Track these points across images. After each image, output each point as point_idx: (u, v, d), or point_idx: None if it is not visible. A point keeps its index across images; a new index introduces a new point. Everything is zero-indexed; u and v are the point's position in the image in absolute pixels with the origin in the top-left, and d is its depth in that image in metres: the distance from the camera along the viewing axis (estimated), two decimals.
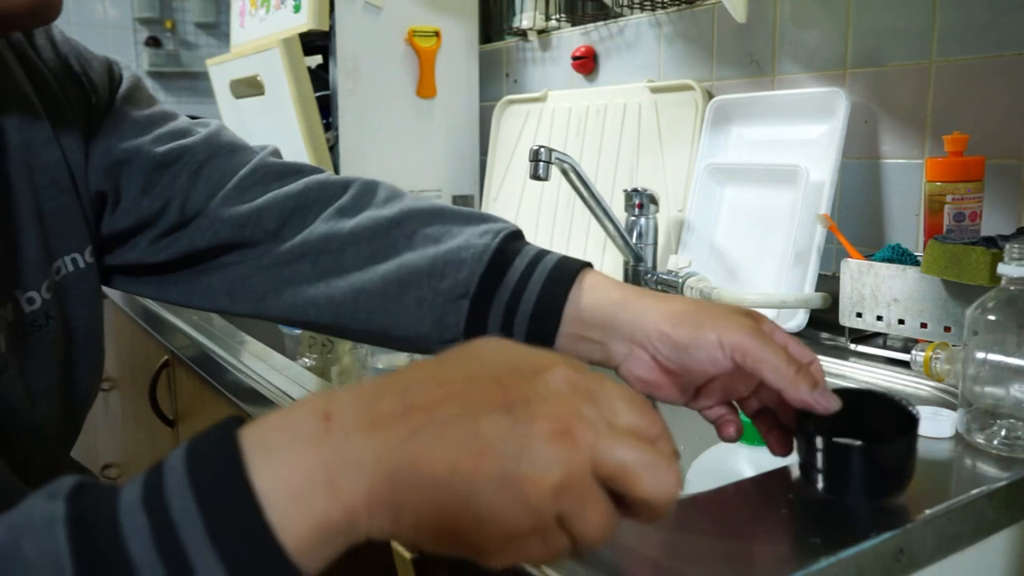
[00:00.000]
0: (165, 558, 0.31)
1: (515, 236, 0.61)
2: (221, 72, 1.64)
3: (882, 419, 0.50)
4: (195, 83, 2.72)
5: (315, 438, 0.33)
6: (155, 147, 0.65)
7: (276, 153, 0.69)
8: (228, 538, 0.31)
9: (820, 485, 0.49)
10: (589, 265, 0.58)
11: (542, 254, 0.59)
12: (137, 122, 0.67)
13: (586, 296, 0.56)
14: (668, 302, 0.53)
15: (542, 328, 0.57)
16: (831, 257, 1.02)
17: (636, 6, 1.28)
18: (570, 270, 0.57)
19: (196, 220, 0.65)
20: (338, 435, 0.33)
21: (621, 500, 0.35)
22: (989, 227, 0.86)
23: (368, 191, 0.65)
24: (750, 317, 0.52)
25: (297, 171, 0.67)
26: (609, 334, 0.55)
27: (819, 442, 0.49)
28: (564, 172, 1.05)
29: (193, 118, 0.72)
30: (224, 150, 0.67)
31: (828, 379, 0.82)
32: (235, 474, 0.32)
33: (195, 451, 0.33)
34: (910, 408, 0.50)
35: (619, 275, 1.15)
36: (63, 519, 0.31)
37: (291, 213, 0.64)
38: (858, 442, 0.48)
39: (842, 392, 0.50)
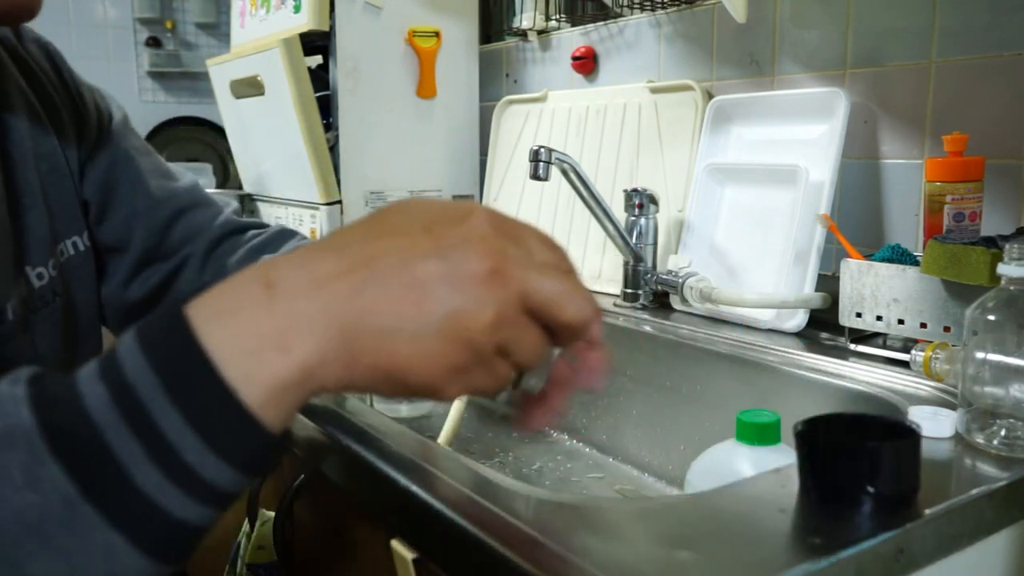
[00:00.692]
0: (129, 420, 0.32)
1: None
2: (221, 72, 1.64)
3: (883, 435, 0.50)
4: (195, 83, 2.72)
5: (261, 304, 0.34)
6: (150, 179, 0.73)
7: (237, 212, 0.80)
8: (187, 396, 0.32)
9: (819, 491, 0.49)
10: None
11: None
12: (136, 148, 0.74)
13: None
14: None
15: None
16: (831, 257, 1.02)
17: (636, 6, 1.28)
18: None
19: (170, 258, 0.74)
20: (283, 300, 0.34)
21: (548, 328, 0.38)
22: (989, 227, 0.87)
23: (283, 238, 0.77)
24: None
25: (249, 227, 0.78)
26: None
27: (819, 444, 0.49)
28: (564, 172, 1.05)
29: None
30: (202, 203, 0.77)
31: (828, 379, 0.82)
32: (186, 339, 0.33)
33: (145, 326, 0.34)
34: (910, 424, 0.50)
35: (619, 275, 1.15)
36: (25, 398, 0.32)
37: (229, 259, 0.75)
38: (858, 442, 0.48)
39: (843, 416, 0.51)
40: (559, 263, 0.39)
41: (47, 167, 0.65)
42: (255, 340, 0.33)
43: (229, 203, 0.79)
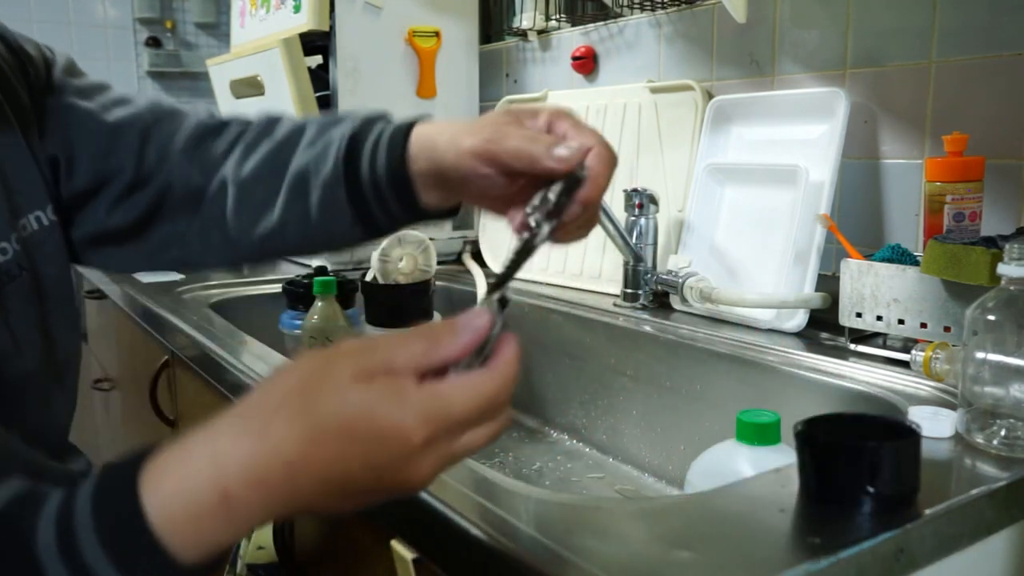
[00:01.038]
0: None
1: (370, 122, 0.65)
2: (221, 72, 1.64)
3: (883, 435, 0.50)
4: (195, 83, 2.72)
5: (219, 516, 0.39)
6: (104, 114, 0.71)
7: (210, 113, 0.75)
8: None
9: (818, 491, 0.50)
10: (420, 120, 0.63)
11: (383, 128, 0.64)
12: (82, 91, 0.72)
13: (414, 144, 0.61)
14: (449, 130, 0.59)
15: (400, 185, 0.62)
16: (831, 257, 1.02)
17: (636, 6, 1.28)
18: (402, 128, 0.62)
19: (152, 179, 0.71)
20: (240, 513, 0.40)
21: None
22: (989, 227, 0.87)
23: (271, 125, 0.71)
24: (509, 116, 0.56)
25: (227, 124, 0.73)
26: (438, 160, 0.59)
27: (819, 444, 0.49)
28: None
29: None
30: (167, 114, 0.73)
31: (828, 379, 0.82)
32: (144, 538, 0.38)
33: (102, 511, 0.39)
34: (910, 424, 0.50)
35: (619, 275, 1.15)
36: None
37: (219, 162, 0.71)
38: (858, 442, 0.48)
39: (843, 416, 0.51)
40: (487, 417, 0.45)
41: (2, 141, 0.64)
42: (210, 544, 0.40)
43: (197, 109, 0.75)
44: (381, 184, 0.62)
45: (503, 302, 0.46)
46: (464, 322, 0.44)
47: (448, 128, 0.59)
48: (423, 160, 0.60)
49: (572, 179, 0.50)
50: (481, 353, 0.44)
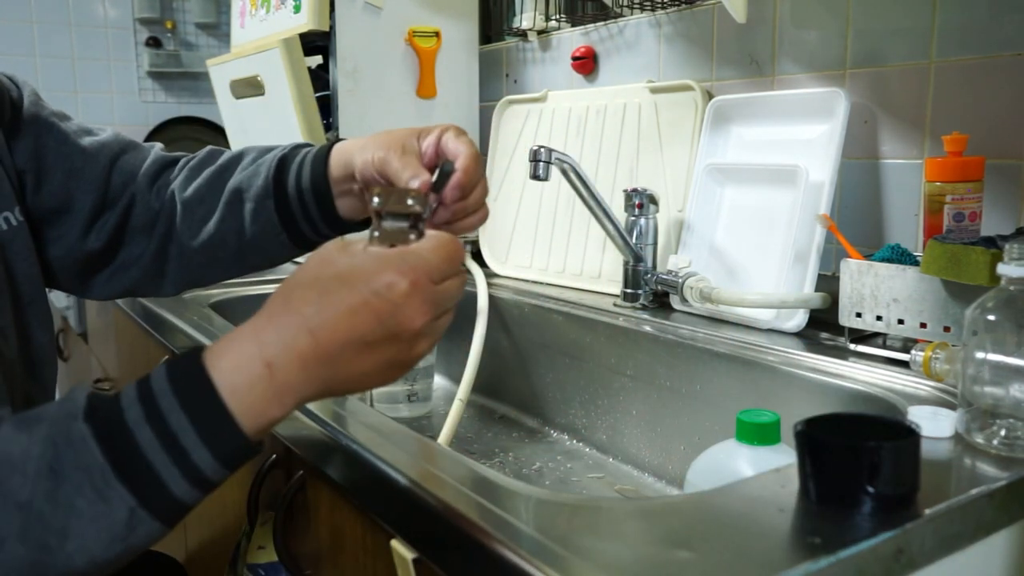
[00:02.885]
0: (158, 434, 0.47)
1: (298, 147, 0.77)
2: (221, 72, 1.64)
3: (883, 435, 0.50)
4: (195, 83, 2.72)
5: (266, 381, 0.48)
6: (77, 137, 0.78)
7: (164, 149, 0.85)
8: (211, 437, 0.47)
9: (818, 491, 0.50)
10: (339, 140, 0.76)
11: (308, 150, 0.76)
12: (55, 114, 0.78)
13: (334, 159, 0.73)
14: (362, 143, 0.71)
15: (321, 196, 0.74)
16: (831, 257, 1.02)
17: (636, 6, 1.28)
18: (325, 147, 0.75)
19: (117, 202, 0.78)
20: (282, 382, 0.48)
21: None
22: (989, 227, 0.87)
23: (213, 155, 0.82)
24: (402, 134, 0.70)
25: (182, 157, 0.83)
26: (350, 181, 0.73)
27: (819, 444, 0.49)
28: (564, 172, 1.05)
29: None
30: (131, 146, 0.82)
31: (828, 379, 0.82)
32: (211, 402, 0.48)
33: (173, 369, 0.49)
34: (910, 424, 0.50)
35: (619, 275, 1.15)
36: (92, 437, 0.46)
37: (170, 186, 0.80)
38: (858, 442, 0.48)
39: (843, 416, 0.51)
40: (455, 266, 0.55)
41: None
42: (262, 404, 0.48)
43: (155, 145, 0.84)
44: (305, 196, 0.74)
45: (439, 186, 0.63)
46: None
47: (362, 140, 0.72)
48: (339, 168, 0.72)
49: (444, 171, 0.65)
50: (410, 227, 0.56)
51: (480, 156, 0.68)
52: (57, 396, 0.76)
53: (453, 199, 0.65)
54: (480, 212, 0.68)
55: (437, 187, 0.64)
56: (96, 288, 0.81)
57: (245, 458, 0.49)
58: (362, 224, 0.77)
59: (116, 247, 0.79)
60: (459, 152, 0.66)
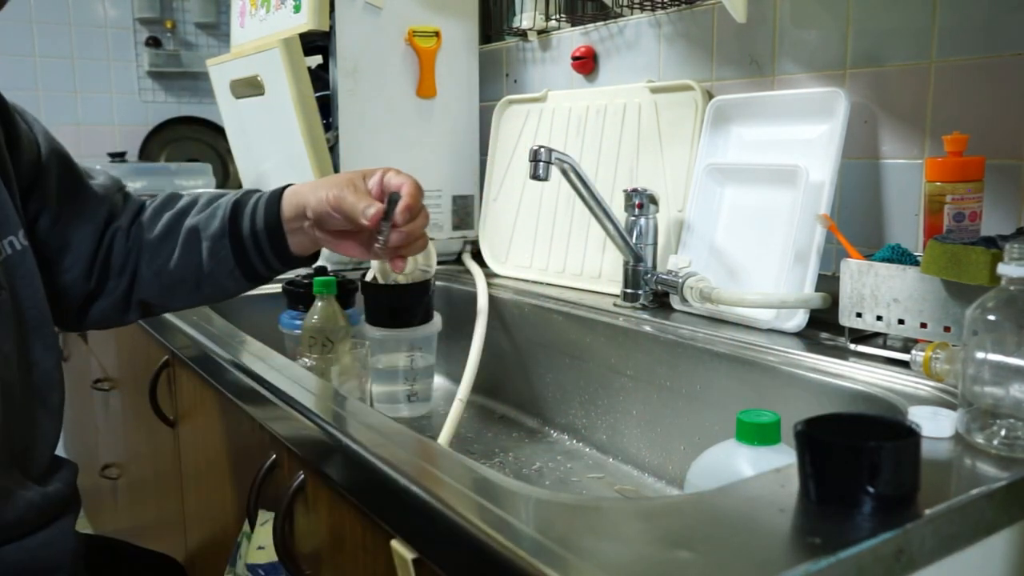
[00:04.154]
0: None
1: (250, 192, 0.86)
2: (221, 72, 1.64)
3: (883, 435, 0.50)
4: (195, 83, 2.72)
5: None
6: (89, 180, 0.85)
7: (120, 186, 0.92)
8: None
9: (818, 491, 0.49)
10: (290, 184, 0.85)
11: (262, 194, 0.85)
12: (68, 154, 0.84)
13: (286, 201, 0.82)
14: (312, 184, 0.82)
15: (274, 234, 0.82)
16: (831, 257, 1.02)
17: (636, 6, 1.28)
18: (276, 192, 0.83)
19: (105, 241, 0.85)
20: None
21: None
22: (989, 227, 0.87)
23: (173, 199, 0.89)
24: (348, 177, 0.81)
25: (143, 201, 0.90)
26: (301, 219, 0.82)
27: (819, 444, 0.49)
28: (564, 172, 1.05)
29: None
30: (119, 189, 0.89)
31: (828, 379, 0.82)
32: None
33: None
34: (910, 424, 0.50)
35: (619, 275, 1.15)
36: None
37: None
38: (858, 442, 0.48)
39: (843, 416, 0.51)
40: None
41: None
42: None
43: (125, 187, 0.92)
44: (259, 235, 0.82)
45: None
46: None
47: (313, 184, 0.81)
48: (291, 208, 0.81)
49: (392, 200, 0.78)
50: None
51: (420, 187, 0.80)
52: (64, 418, 0.79)
53: (404, 221, 0.77)
54: (423, 238, 0.80)
55: (388, 214, 0.77)
56: (79, 322, 0.86)
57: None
58: (310, 258, 0.86)
59: (102, 285, 0.85)
60: (402, 183, 0.78)
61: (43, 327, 0.75)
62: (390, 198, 0.78)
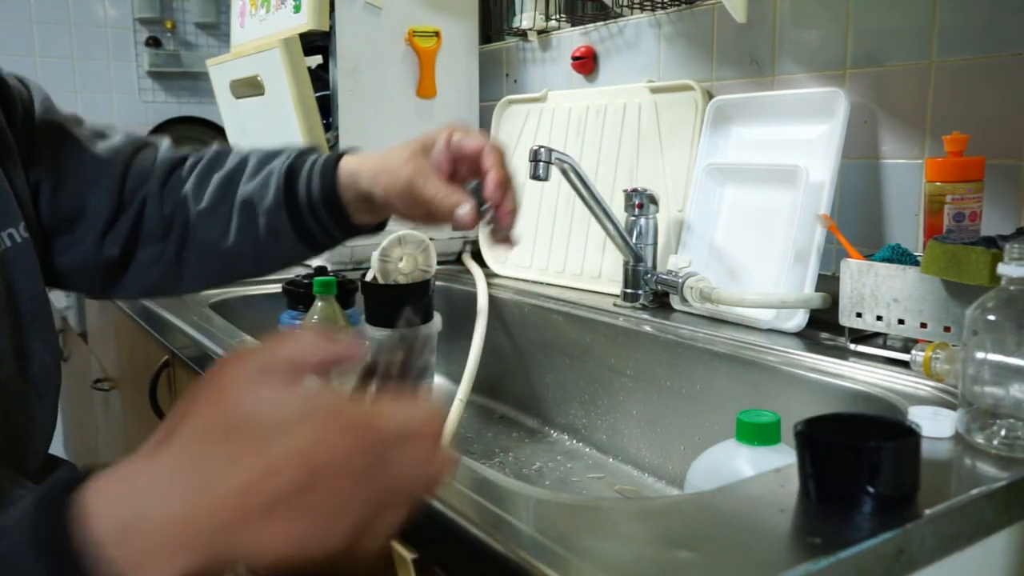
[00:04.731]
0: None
1: (307, 151, 0.77)
2: (221, 72, 1.64)
3: (883, 435, 0.50)
4: (195, 83, 2.72)
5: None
6: (90, 144, 0.77)
7: (171, 146, 0.84)
8: None
9: (818, 491, 0.50)
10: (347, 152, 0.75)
11: (315, 160, 0.75)
12: (68, 120, 0.77)
13: (342, 181, 0.73)
14: (378, 157, 0.72)
15: (333, 212, 0.74)
16: (831, 257, 1.02)
17: (636, 6, 1.28)
18: (331, 161, 0.74)
19: (130, 206, 0.77)
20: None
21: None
22: (989, 227, 0.86)
23: (220, 157, 0.81)
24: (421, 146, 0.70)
25: (190, 155, 0.82)
26: (363, 192, 0.72)
27: (819, 444, 0.49)
28: (564, 172, 1.05)
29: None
30: (142, 146, 0.81)
31: (828, 379, 0.82)
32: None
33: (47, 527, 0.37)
34: (910, 424, 0.50)
35: (619, 275, 1.15)
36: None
37: (181, 188, 0.79)
38: (858, 442, 0.48)
39: (843, 416, 0.51)
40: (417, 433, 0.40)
41: None
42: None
43: (163, 141, 0.84)
44: (317, 208, 0.73)
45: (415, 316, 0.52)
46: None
47: (368, 165, 0.72)
48: (350, 192, 0.73)
49: (475, 190, 0.68)
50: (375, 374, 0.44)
51: (499, 147, 0.69)
52: (64, 418, 0.77)
53: (502, 197, 0.67)
54: (513, 205, 0.70)
55: (480, 203, 0.67)
56: (116, 291, 0.81)
57: None
58: (378, 227, 0.78)
59: (131, 251, 0.78)
60: (477, 149, 0.68)
61: (42, 321, 0.72)
62: (473, 189, 0.68)
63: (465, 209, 0.66)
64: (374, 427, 0.39)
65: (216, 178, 0.78)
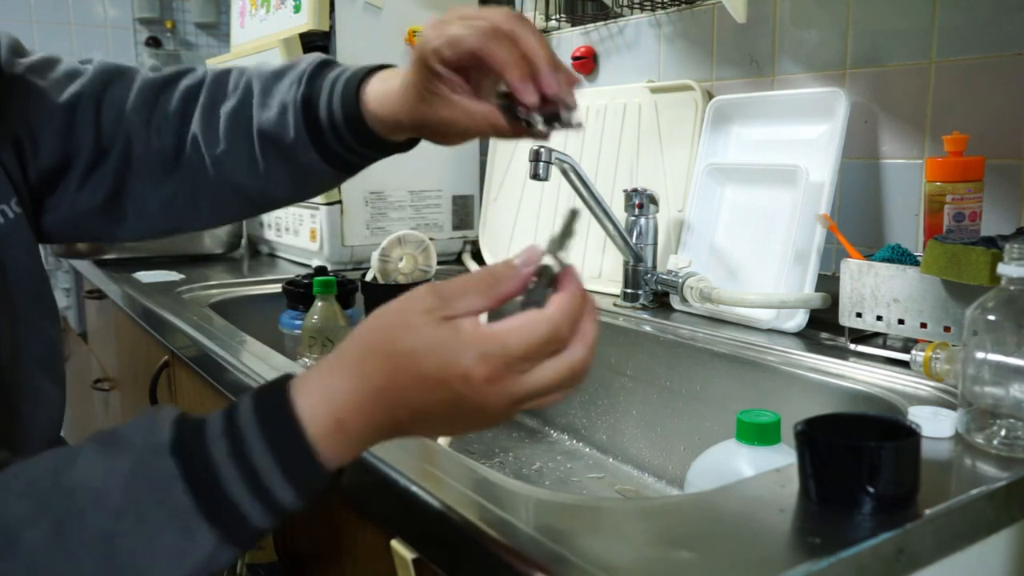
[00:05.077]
0: (240, 468, 0.46)
1: (315, 75, 0.69)
2: None
3: (883, 435, 0.50)
4: None
5: (338, 438, 0.47)
6: (58, 90, 0.72)
7: (154, 68, 0.77)
8: (286, 460, 0.46)
9: (818, 491, 0.50)
10: (377, 70, 0.68)
11: (333, 87, 0.68)
12: (33, 68, 0.72)
13: (366, 102, 0.66)
14: (391, 80, 0.65)
15: (364, 139, 0.68)
16: (831, 257, 1.02)
17: (636, 6, 1.28)
18: (350, 92, 0.67)
19: (112, 146, 0.73)
20: (353, 435, 0.47)
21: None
22: (989, 227, 0.86)
23: (220, 86, 0.74)
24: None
25: (173, 79, 0.75)
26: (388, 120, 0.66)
27: (819, 444, 0.49)
28: (564, 172, 1.05)
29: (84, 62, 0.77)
30: (115, 76, 0.75)
31: (828, 379, 0.82)
32: (295, 433, 0.46)
33: (260, 401, 0.47)
34: (910, 424, 0.50)
35: (619, 275, 1.15)
36: (179, 476, 0.45)
37: (179, 120, 0.74)
38: (858, 442, 0.48)
39: (843, 416, 0.51)
40: (552, 348, 0.46)
41: None
42: (333, 461, 0.47)
43: (144, 63, 0.78)
44: (344, 137, 0.67)
45: (564, 237, 0.51)
46: (518, 261, 0.48)
47: (376, 93, 0.65)
48: (376, 119, 0.66)
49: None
50: (541, 288, 0.48)
51: (509, 24, 0.59)
52: (64, 417, 0.75)
53: (528, 95, 0.58)
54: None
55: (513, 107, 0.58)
56: (120, 235, 0.77)
57: (321, 490, 0.48)
58: (409, 144, 0.70)
59: (122, 193, 0.74)
60: (476, 46, 0.58)
61: (41, 294, 0.71)
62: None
63: (499, 122, 0.59)
64: (509, 360, 0.45)
65: (224, 113, 0.72)
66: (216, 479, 0.45)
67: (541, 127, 0.59)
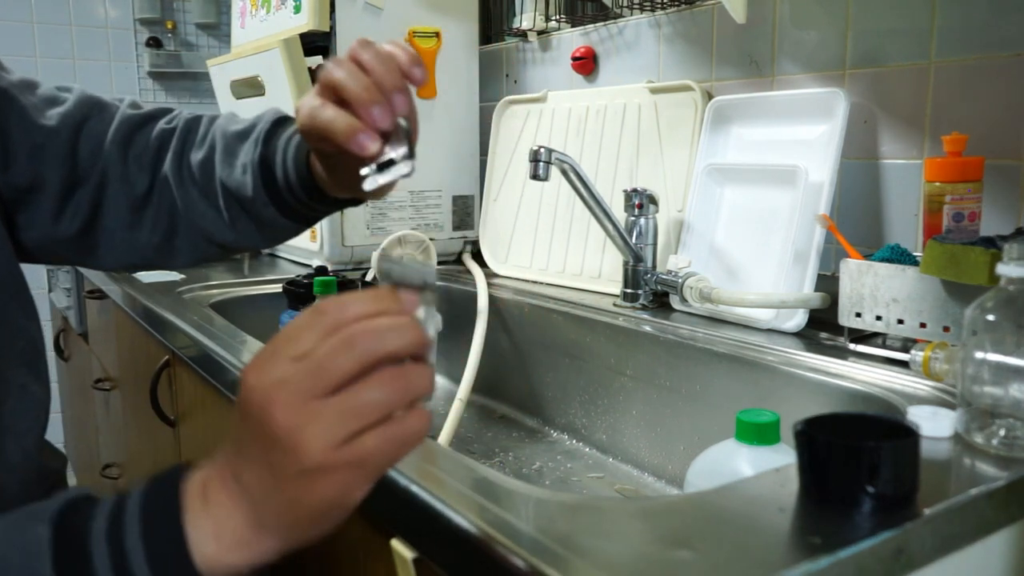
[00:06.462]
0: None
1: (271, 134, 0.73)
2: (222, 73, 1.64)
3: (883, 435, 0.50)
4: (196, 84, 2.72)
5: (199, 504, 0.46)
6: (38, 114, 0.73)
7: (133, 105, 0.79)
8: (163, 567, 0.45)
9: (818, 491, 0.50)
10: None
11: (288, 141, 0.71)
12: (15, 86, 0.73)
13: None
14: None
15: (315, 195, 0.71)
16: (830, 257, 1.02)
17: (636, 6, 1.28)
18: (302, 147, 0.70)
19: (89, 176, 0.75)
20: (219, 515, 0.46)
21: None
22: (988, 227, 0.87)
23: (191, 133, 0.78)
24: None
25: (151, 118, 0.78)
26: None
27: (819, 444, 0.49)
28: (564, 172, 1.06)
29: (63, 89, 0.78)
30: (95, 108, 0.77)
31: (828, 379, 0.82)
32: (174, 532, 0.45)
33: (147, 503, 0.46)
34: (910, 424, 0.50)
35: (619, 275, 1.15)
36: (48, 542, 0.44)
37: (153, 160, 0.77)
38: (858, 442, 0.48)
39: (843, 416, 0.51)
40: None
41: None
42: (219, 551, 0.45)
43: (123, 99, 0.80)
44: (299, 194, 0.71)
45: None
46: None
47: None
48: (322, 181, 0.69)
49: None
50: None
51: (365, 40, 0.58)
52: (58, 391, 0.76)
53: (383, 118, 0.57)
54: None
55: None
56: (93, 263, 0.79)
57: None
58: (353, 200, 0.72)
59: (97, 226, 0.76)
60: (336, 80, 0.58)
61: (18, 291, 0.71)
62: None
63: (365, 140, 0.57)
64: (274, 342, 0.45)
65: (194, 162, 0.75)
66: (84, 553, 0.44)
67: (370, 180, 0.59)
